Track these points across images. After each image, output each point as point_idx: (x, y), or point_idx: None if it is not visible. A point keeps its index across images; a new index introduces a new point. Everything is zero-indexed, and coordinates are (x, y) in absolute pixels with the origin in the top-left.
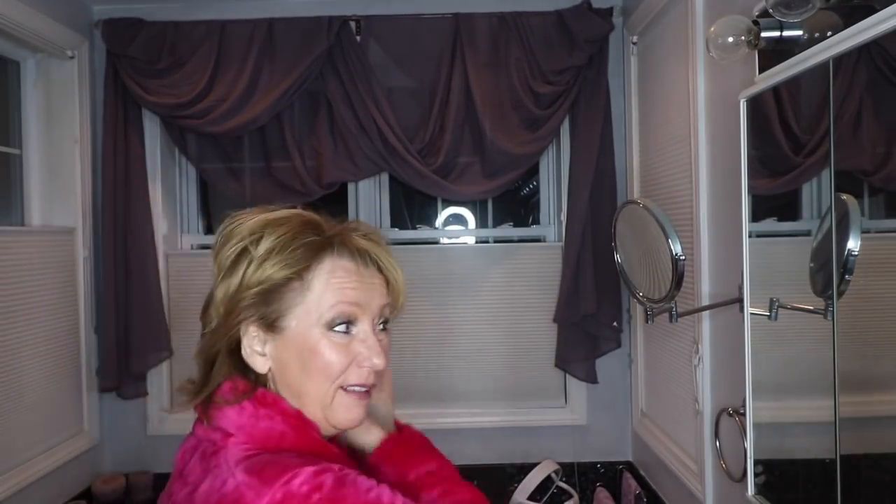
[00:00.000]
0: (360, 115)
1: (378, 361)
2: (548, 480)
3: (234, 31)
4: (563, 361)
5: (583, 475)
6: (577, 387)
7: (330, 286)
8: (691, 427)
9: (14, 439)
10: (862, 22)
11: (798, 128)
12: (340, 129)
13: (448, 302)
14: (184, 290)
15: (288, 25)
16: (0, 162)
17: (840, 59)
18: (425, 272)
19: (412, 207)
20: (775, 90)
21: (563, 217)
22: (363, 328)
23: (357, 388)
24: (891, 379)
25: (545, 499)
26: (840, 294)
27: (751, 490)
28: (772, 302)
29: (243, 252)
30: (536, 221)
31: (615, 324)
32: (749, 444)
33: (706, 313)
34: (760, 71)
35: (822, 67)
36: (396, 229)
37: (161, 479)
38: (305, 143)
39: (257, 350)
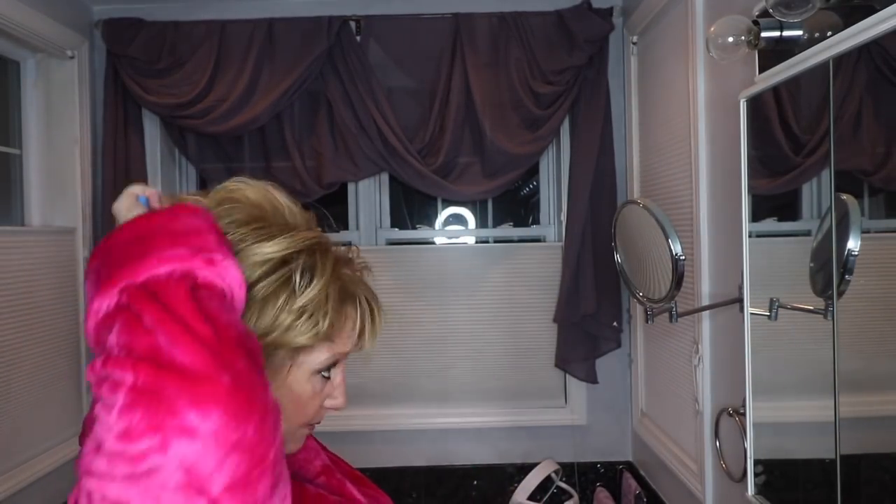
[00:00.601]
0: (360, 115)
1: (343, 404)
2: (548, 480)
3: (234, 31)
4: (563, 361)
5: (583, 475)
6: (577, 387)
7: (343, 336)
8: (691, 427)
9: (14, 439)
10: (862, 22)
11: (798, 128)
12: (340, 129)
13: (448, 302)
14: None
15: (288, 25)
16: (0, 162)
17: (840, 59)
18: (425, 272)
19: (412, 207)
20: (775, 90)
21: (563, 217)
22: (339, 372)
23: (315, 425)
24: (891, 379)
25: (545, 499)
26: (840, 294)
27: (751, 490)
28: (772, 302)
29: (285, 283)
30: (536, 221)
31: (615, 324)
32: (749, 444)
33: (706, 313)
34: (760, 71)
35: (822, 67)
36: (396, 229)
37: None
38: (305, 143)
39: None
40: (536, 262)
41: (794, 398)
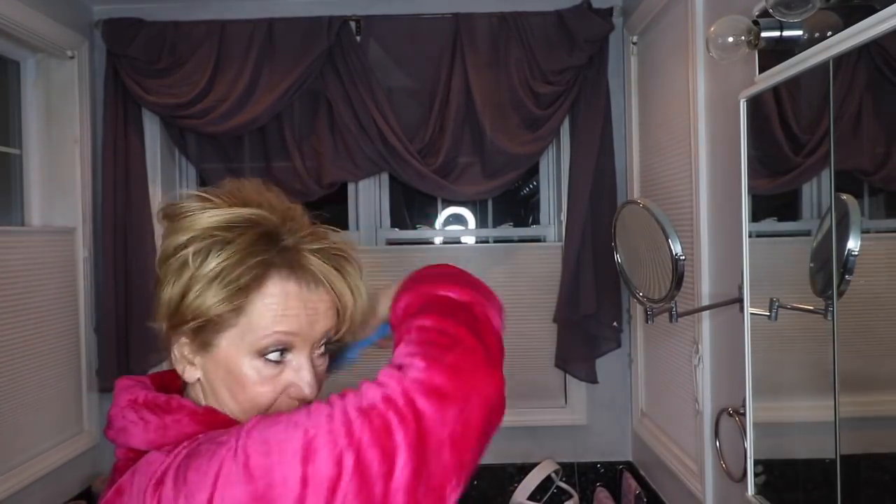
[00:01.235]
0: (360, 115)
1: (308, 393)
2: (548, 480)
3: (234, 31)
4: (563, 361)
5: (583, 475)
6: (577, 387)
7: (267, 311)
8: (691, 427)
9: (14, 439)
10: (862, 22)
11: (798, 128)
12: (340, 129)
13: None
14: None
15: (288, 25)
16: (0, 162)
17: (840, 59)
18: None
19: (412, 207)
20: (775, 90)
21: (563, 217)
22: (298, 358)
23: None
24: (891, 379)
25: (545, 499)
26: (840, 294)
27: (751, 490)
28: (772, 302)
29: (184, 265)
30: (536, 221)
31: (615, 324)
32: (749, 444)
33: (706, 313)
34: (760, 71)
35: (822, 67)
36: (396, 229)
37: None
38: (305, 143)
39: (187, 357)
40: (536, 262)
41: (794, 398)
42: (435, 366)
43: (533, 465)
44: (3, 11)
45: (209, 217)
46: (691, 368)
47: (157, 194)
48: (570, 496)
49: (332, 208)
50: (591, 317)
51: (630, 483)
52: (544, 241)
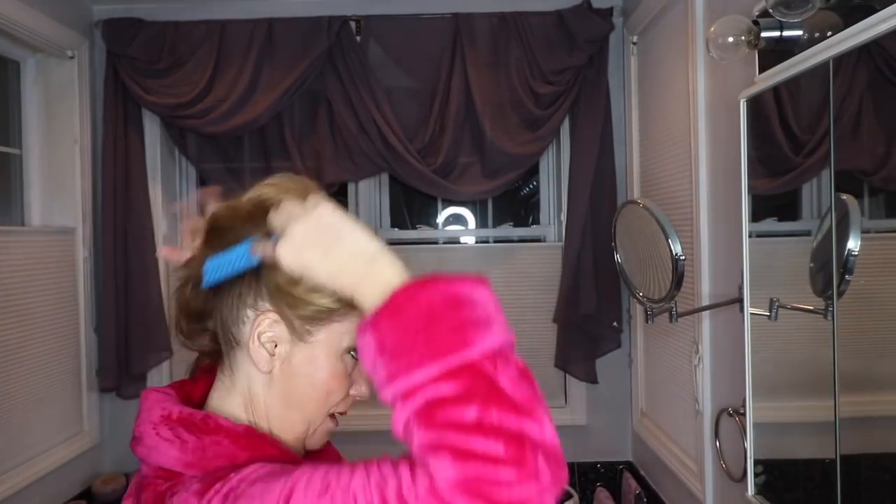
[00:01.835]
0: (360, 115)
1: (367, 392)
2: None
3: (234, 31)
4: (563, 361)
5: (583, 475)
6: (577, 387)
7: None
8: (691, 427)
9: (14, 439)
10: (862, 22)
11: (798, 128)
12: (340, 129)
13: None
14: None
15: (288, 25)
16: (0, 162)
17: (840, 59)
18: (425, 272)
19: (412, 207)
20: (775, 90)
21: (563, 217)
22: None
23: (339, 416)
24: (891, 379)
25: None
26: (840, 294)
27: (751, 490)
28: (772, 302)
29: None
30: (536, 221)
31: (615, 324)
32: (749, 444)
33: (706, 313)
34: (760, 71)
35: (822, 67)
36: (396, 229)
37: None
38: (305, 143)
39: (268, 345)
40: (536, 262)
41: (794, 398)
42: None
43: None
44: (3, 11)
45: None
46: (691, 368)
47: (157, 194)
48: (570, 496)
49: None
50: (591, 317)
51: (630, 483)
52: (544, 241)
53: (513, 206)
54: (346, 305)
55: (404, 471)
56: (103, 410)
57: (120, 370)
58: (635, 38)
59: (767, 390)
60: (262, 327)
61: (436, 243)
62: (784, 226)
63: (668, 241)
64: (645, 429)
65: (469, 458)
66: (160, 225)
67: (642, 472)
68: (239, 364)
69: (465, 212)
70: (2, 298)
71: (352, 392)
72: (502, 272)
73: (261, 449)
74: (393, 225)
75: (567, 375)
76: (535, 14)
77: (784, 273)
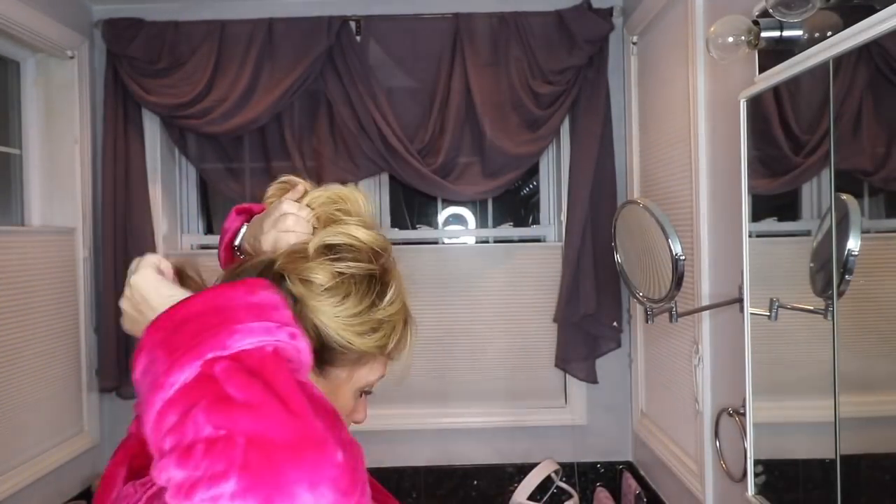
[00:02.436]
0: (360, 115)
1: (364, 419)
2: (548, 480)
3: (234, 31)
4: (563, 361)
5: (583, 475)
6: (577, 387)
7: (398, 354)
8: (691, 427)
9: (14, 439)
10: (862, 22)
11: (798, 128)
12: (340, 129)
13: (448, 302)
14: None
15: (288, 25)
16: (0, 162)
17: (840, 59)
18: (425, 272)
19: (412, 207)
20: (775, 90)
21: (563, 217)
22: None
23: None
24: (891, 379)
25: (545, 499)
26: (840, 294)
27: (751, 490)
28: (772, 302)
29: (370, 287)
30: (536, 221)
31: (615, 324)
32: (749, 444)
33: (706, 313)
34: (760, 71)
35: (822, 67)
36: (396, 229)
37: None
38: (305, 143)
39: None
40: (536, 262)
41: (794, 398)
42: None
43: (533, 465)
44: (3, 11)
45: (360, 231)
46: (691, 368)
47: (157, 194)
48: (570, 496)
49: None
50: (591, 317)
51: (630, 483)
52: (544, 241)
53: (513, 206)
54: (378, 351)
55: None
56: (103, 410)
57: (120, 370)
58: (635, 38)
59: (767, 390)
60: None
61: (436, 243)
62: (784, 226)
63: (668, 241)
64: (645, 429)
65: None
66: (160, 225)
67: (642, 472)
68: None
69: (465, 212)
70: (2, 298)
71: (354, 418)
72: (502, 272)
73: None
74: (393, 225)
75: (567, 375)
76: (535, 14)
77: (784, 273)
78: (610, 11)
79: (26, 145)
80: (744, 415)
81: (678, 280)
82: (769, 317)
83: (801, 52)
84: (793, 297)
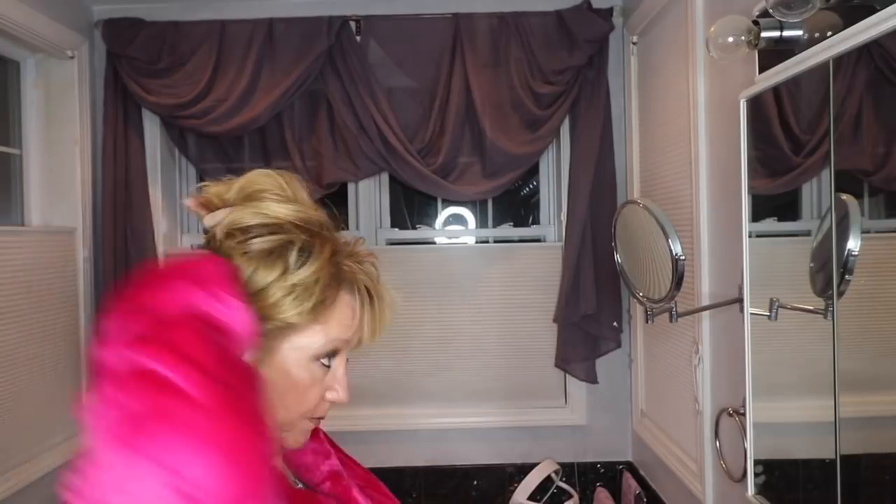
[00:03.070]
0: (360, 115)
1: (345, 397)
2: (548, 480)
3: (234, 31)
4: (563, 361)
5: (583, 475)
6: (577, 387)
7: (337, 324)
8: (691, 427)
9: (14, 439)
10: (862, 22)
11: (798, 128)
12: (340, 129)
13: (448, 302)
14: None
15: (288, 25)
16: (0, 162)
17: (840, 59)
18: (425, 272)
19: (412, 207)
20: (775, 90)
21: (563, 217)
22: (340, 362)
23: (318, 418)
24: (891, 379)
25: (545, 499)
26: (840, 294)
27: (751, 490)
28: (772, 302)
29: (280, 257)
30: (536, 221)
31: (615, 324)
32: (749, 444)
33: (706, 313)
34: (760, 71)
35: (822, 67)
36: (396, 229)
37: None
38: (305, 143)
39: None
40: (536, 262)
41: (794, 398)
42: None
43: (533, 465)
44: (3, 11)
45: (283, 208)
46: (691, 368)
47: (157, 194)
48: (570, 496)
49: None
50: (591, 317)
51: (630, 483)
52: (544, 241)
53: (513, 206)
54: (309, 318)
55: None
56: None
57: None
58: (635, 38)
59: (767, 390)
60: None
61: (436, 243)
62: (784, 226)
63: (668, 241)
64: (645, 429)
65: None
66: (160, 225)
67: (642, 472)
68: None
69: (465, 212)
70: (2, 298)
71: (328, 397)
72: (502, 272)
73: None
74: (393, 225)
75: (567, 375)
76: (535, 14)
77: (784, 273)
78: (610, 11)
79: (26, 145)
80: (744, 415)
81: (678, 280)
82: (769, 317)
83: (801, 52)
84: (793, 297)
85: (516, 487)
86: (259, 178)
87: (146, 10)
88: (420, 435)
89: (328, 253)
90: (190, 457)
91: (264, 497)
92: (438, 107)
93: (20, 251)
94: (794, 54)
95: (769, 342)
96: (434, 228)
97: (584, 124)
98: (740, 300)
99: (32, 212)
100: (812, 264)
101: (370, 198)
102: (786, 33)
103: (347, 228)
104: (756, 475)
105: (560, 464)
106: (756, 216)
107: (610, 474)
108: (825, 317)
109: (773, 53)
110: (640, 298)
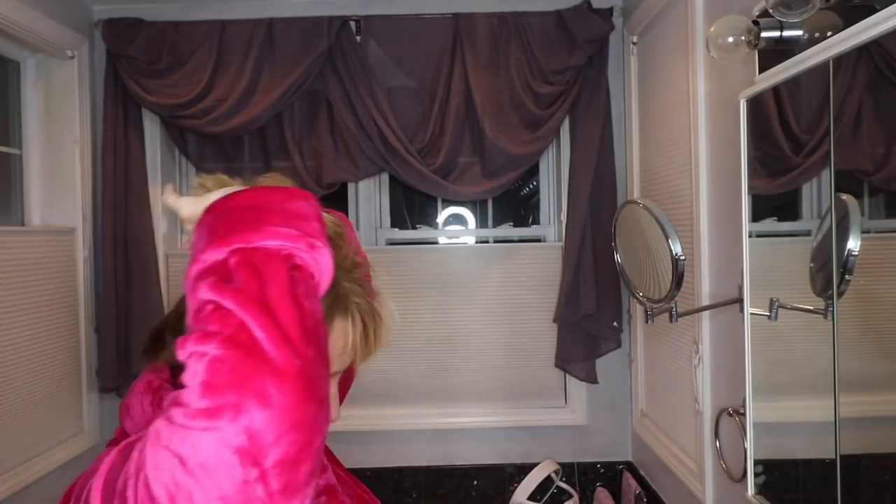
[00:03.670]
0: (360, 115)
1: (336, 416)
2: (548, 480)
3: (234, 31)
4: (563, 361)
5: (583, 475)
6: (577, 387)
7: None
8: (691, 427)
9: (14, 439)
10: (862, 22)
11: (798, 128)
12: (340, 129)
13: (448, 302)
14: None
15: (288, 25)
16: (0, 162)
17: (840, 59)
18: (425, 272)
19: (412, 207)
20: (775, 90)
21: (563, 217)
22: (332, 382)
23: None
24: (891, 379)
25: (545, 499)
26: (840, 294)
27: (751, 490)
28: (772, 302)
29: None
30: (536, 221)
31: (615, 324)
32: (749, 444)
33: (706, 313)
34: (760, 71)
35: (822, 67)
36: (396, 229)
37: None
38: (305, 143)
39: None
40: (536, 262)
41: (794, 398)
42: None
43: (533, 465)
44: (3, 11)
45: (348, 254)
46: (691, 368)
47: (157, 194)
48: (570, 496)
49: (332, 209)
50: (591, 317)
51: (630, 483)
52: (544, 241)
53: (513, 206)
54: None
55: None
56: (103, 410)
57: (120, 370)
58: (635, 38)
59: (767, 390)
60: None
61: (436, 243)
62: (784, 226)
63: (668, 241)
64: (645, 429)
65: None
66: (160, 225)
67: (642, 472)
68: None
69: (465, 212)
70: (2, 298)
71: None
72: (502, 272)
73: None
74: (393, 225)
75: (567, 375)
76: (535, 14)
77: (784, 273)
78: (610, 11)
79: (26, 145)
80: (744, 415)
81: (678, 280)
82: (769, 317)
83: (801, 52)
84: (793, 297)
85: (516, 487)
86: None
87: (146, 10)
88: (420, 435)
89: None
90: (260, 422)
91: (315, 470)
92: (438, 107)
93: (20, 251)
94: (794, 54)
95: (769, 342)
96: (434, 228)
97: (584, 124)
98: (740, 300)
99: (32, 211)
100: (812, 264)
101: (370, 198)
102: (786, 33)
103: None
104: (756, 475)
105: (560, 464)
106: (756, 216)
107: (610, 474)
108: (825, 317)
109: (773, 53)
110: (640, 298)
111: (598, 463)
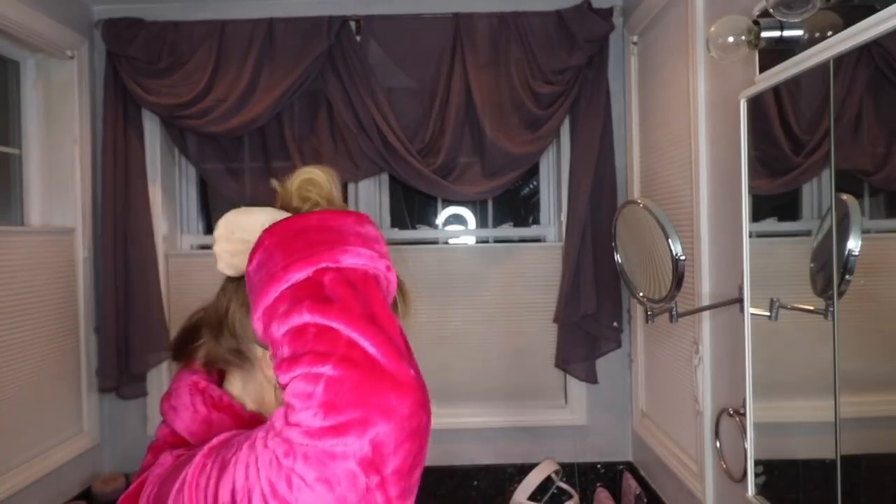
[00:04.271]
0: (360, 115)
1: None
2: (548, 480)
3: (234, 31)
4: (564, 361)
5: (583, 475)
6: (577, 387)
7: None
8: (691, 427)
9: (14, 439)
10: (862, 22)
11: (798, 128)
12: (340, 129)
13: (448, 302)
14: (184, 290)
15: (288, 25)
16: (0, 162)
17: (840, 59)
18: (425, 272)
19: (412, 207)
20: (775, 90)
21: (563, 217)
22: None
23: None
24: (891, 379)
25: (545, 499)
26: (840, 294)
27: (751, 490)
28: (772, 302)
29: None
30: (536, 221)
31: (615, 324)
32: (749, 444)
33: (706, 313)
34: (760, 71)
35: (823, 67)
36: (396, 229)
37: None
38: (305, 143)
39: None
40: (536, 262)
41: (794, 398)
42: (312, 417)
43: (533, 465)
44: (3, 11)
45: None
46: (691, 368)
47: (157, 194)
48: (570, 496)
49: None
50: (591, 317)
51: (630, 483)
52: (544, 241)
53: (513, 206)
54: None
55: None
56: (103, 410)
57: (120, 370)
58: (635, 38)
59: (767, 390)
60: (265, 370)
61: (436, 243)
62: (784, 226)
63: (668, 241)
64: (645, 429)
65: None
66: (160, 225)
67: (642, 472)
68: (250, 373)
69: (465, 212)
70: (2, 298)
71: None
72: (502, 272)
73: None
74: (393, 225)
75: (567, 375)
76: (535, 14)
77: (784, 273)
78: (610, 11)
79: (26, 145)
80: (744, 415)
81: (678, 280)
82: (769, 317)
83: (801, 52)
84: (793, 297)
85: (516, 487)
86: (317, 176)
87: (146, 10)
88: None
89: None
90: (384, 428)
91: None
92: (438, 107)
93: (20, 251)
94: (795, 54)
95: (769, 342)
96: (434, 228)
97: (585, 124)
98: (740, 300)
99: (32, 212)
100: (812, 264)
101: (370, 198)
102: (786, 33)
103: None
104: (756, 475)
105: (560, 464)
106: (756, 216)
107: (610, 474)
108: (825, 317)
109: (774, 53)
110: (640, 298)
111: (599, 463)
